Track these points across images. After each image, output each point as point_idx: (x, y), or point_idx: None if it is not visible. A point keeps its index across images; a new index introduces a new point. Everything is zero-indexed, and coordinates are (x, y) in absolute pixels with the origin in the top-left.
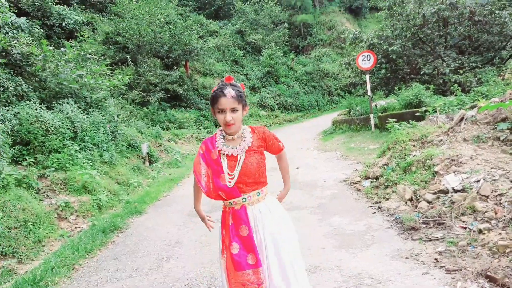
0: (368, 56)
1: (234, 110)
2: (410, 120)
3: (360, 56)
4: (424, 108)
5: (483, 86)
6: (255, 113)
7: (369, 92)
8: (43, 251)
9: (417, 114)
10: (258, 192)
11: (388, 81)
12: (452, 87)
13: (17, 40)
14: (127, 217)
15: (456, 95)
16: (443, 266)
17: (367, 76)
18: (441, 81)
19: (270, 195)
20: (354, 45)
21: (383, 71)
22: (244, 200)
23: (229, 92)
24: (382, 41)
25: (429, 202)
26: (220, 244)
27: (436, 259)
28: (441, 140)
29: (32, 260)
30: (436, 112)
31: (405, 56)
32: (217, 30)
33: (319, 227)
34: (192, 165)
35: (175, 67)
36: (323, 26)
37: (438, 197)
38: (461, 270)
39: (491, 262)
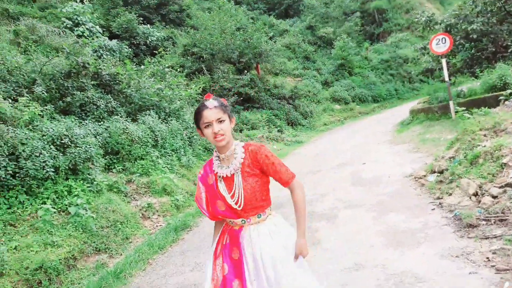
0: (443, 39)
1: (220, 121)
2: (490, 106)
3: (434, 40)
4: (509, 91)
5: None
6: (328, 107)
7: (446, 78)
8: (130, 246)
9: (500, 98)
10: (259, 215)
11: (472, 62)
12: None
13: (105, 64)
14: (198, 216)
15: None
16: (494, 266)
17: (444, 61)
18: None
19: (275, 215)
20: (428, 29)
21: (463, 53)
22: (243, 222)
23: (211, 103)
24: (460, 21)
25: (494, 197)
26: (211, 259)
27: (488, 258)
28: None
29: (121, 255)
30: None
31: (490, 34)
32: (287, 28)
33: (372, 225)
34: None
35: (246, 71)
36: (400, 9)
37: (505, 191)
38: None
39: None
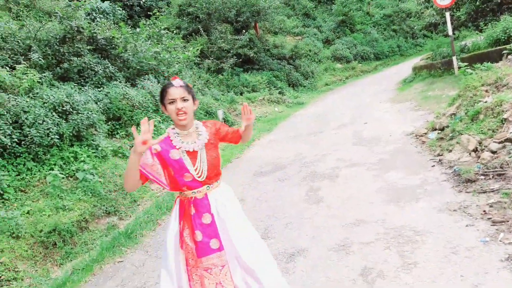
0: None
1: (184, 99)
2: (494, 60)
3: None
4: None
5: None
6: (329, 67)
7: (450, 32)
8: (138, 209)
9: (504, 52)
10: (218, 181)
11: (476, 15)
12: None
13: (100, 27)
14: None
15: None
16: (490, 218)
17: (447, 14)
18: None
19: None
20: None
21: (467, 5)
22: (207, 188)
23: (178, 82)
24: None
25: (493, 152)
26: (175, 242)
27: (484, 211)
28: None
29: (130, 217)
30: None
31: None
32: None
33: (373, 183)
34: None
35: (245, 31)
36: None
37: (504, 146)
38: (507, 221)
39: None
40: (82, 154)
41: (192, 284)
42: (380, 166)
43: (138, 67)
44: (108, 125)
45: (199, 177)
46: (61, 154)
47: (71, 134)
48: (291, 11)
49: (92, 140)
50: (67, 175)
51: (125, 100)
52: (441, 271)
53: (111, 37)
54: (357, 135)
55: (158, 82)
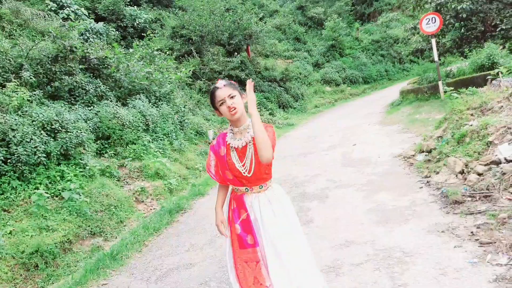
0: (433, 18)
1: (231, 96)
2: (478, 85)
3: (424, 20)
4: (497, 70)
5: None
6: (319, 90)
7: (436, 58)
8: (124, 230)
9: (488, 77)
10: (261, 186)
11: (461, 42)
12: None
13: (93, 47)
14: (191, 198)
15: None
16: (478, 239)
17: (433, 41)
18: None
19: (275, 186)
20: (418, 8)
21: (453, 33)
22: (246, 190)
23: (221, 83)
24: (450, 0)
25: (479, 174)
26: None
27: (472, 232)
28: (501, 106)
29: (116, 237)
30: (504, 75)
31: (479, 13)
32: (277, 9)
33: (362, 204)
34: None
35: (237, 53)
36: None
37: (490, 169)
38: (495, 242)
39: None
40: (69, 173)
41: (238, 269)
42: (369, 187)
43: (129, 87)
44: (97, 144)
45: (246, 172)
46: (47, 173)
47: (58, 152)
48: (282, 35)
49: (80, 159)
50: (52, 194)
51: (115, 119)
52: None
53: (103, 57)
54: (346, 157)
55: (149, 102)
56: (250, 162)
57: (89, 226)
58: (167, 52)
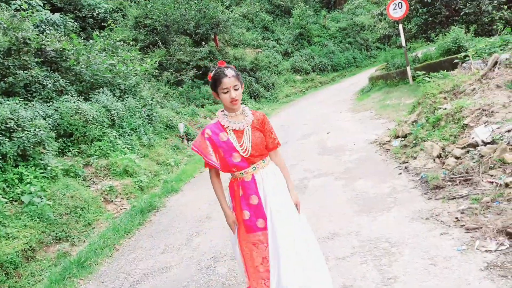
0: (400, 3)
1: (236, 88)
2: (446, 69)
3: (391, 5)
4: (463, 54)
5: None
6: (289, 79)
7: (403, 43)
8: (93, 233)
9: (455, 61)
10: (264, 160)
11: (426, 27)
12: (495, 26)
13: (49, 39)
14: (164, 196)
15: (500, 34)
16: (464, 225)
17: (400, 26)
18: (485, 20)
19: (272, 163)
20: None
21: (419, 17)
22: (253, 169)
23: (230, 72)
24: None
25: (457, 158)
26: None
27: (457, 218)
28: (474, 89)
29: (84, 242)
30: (473, 57)
31: None
32: None
33: (342, 193)
34: None
35: (204, 43)
36: None
37: (467, 152)
38: (481, 228)
39: None
40: (28, 175)
41: (244, 253)
42: (348, 175)
43: (92, 80)
44: (58, 142)
45: (244, 153)
46: (4, 176)
47: (15, 153)
48: (250, 24)
49: (40, 159)
50: (11, 199)
51: (78, 115)
52: (422, 285)
53: (61, 49)
54: (321, 145)
55: (114, 95)
56: (248, 142)
57: (53, 231)
58: (131, 43)
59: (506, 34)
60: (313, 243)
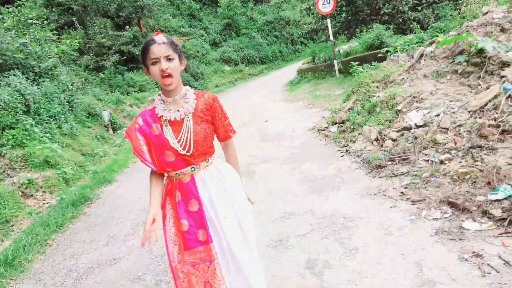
0: None
1: (169, 58)
2: (372, 62)
3: (320, 0)
4: (385, 49)
5: (441, 21)
6: (218, 69)
7: (331, 37)
8: (13, 230)
9: (379, 55)
10: (207, 160)
11: (349, 24)
12: (411, 25)
13: None
14: (97, 187)
15: (415, 32)
16: (409, 198)
17: (328, 21)
18: (400, 20)
19: (218, 159)
20: None
21: (344, 15)
22: (192, 169)
23: (160, 38)
24: None
25: (393, 140)
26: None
27: (402, 192)
28: (403, 78)
29: (2, 241)
30: (397, 51)
31: None
32: None
33: (291, 176)
34: None
35: (128, 27)
36: None
37: (402, 135)
38: (425, 199)
39: (452, 189)
40: None
41: (178, 284)
42: (293, 159)
43: (0, 61)
44: None
45: (184, 150)
46: None
47: None
48: (176, 10)
49: None
50: None
51: None
52: (382, 253)
53: None
54: (262, 132)
55: (28, 79)
56: (187, 138)
57: None
58: (45, 22)
59: (421, 33)
60: (253, 243)
